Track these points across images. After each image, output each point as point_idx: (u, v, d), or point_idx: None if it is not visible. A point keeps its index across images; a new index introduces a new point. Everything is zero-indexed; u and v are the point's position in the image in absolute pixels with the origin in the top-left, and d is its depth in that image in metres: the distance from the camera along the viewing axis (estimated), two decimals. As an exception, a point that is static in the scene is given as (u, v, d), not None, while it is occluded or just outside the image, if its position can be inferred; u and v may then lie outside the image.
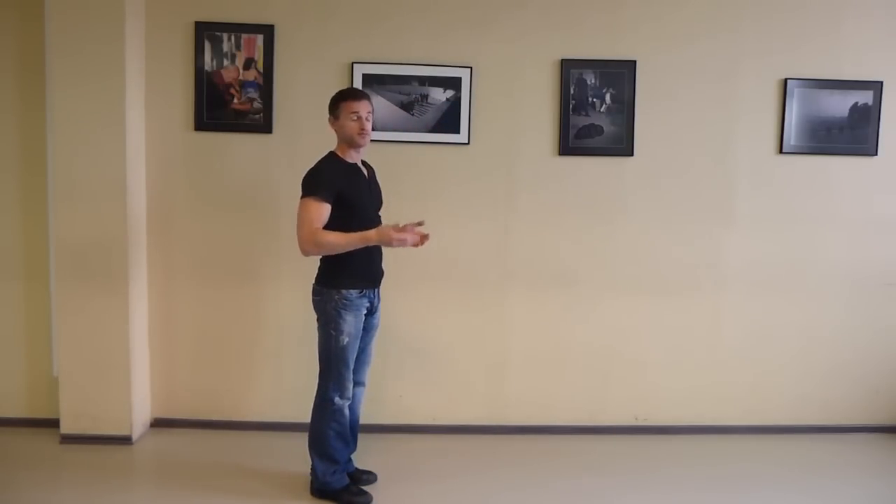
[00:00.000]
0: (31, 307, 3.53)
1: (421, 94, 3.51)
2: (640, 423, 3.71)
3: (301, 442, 3.45)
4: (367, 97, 2.89)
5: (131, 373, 3.40)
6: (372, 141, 3.46)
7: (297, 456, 3.29)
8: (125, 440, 3.39)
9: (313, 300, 2.88)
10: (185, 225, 3.55)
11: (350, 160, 2.87)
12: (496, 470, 3.22)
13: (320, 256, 2.85)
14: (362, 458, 3.14)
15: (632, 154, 3.59)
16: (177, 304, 3.58)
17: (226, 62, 3.48)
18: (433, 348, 3.63)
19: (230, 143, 3.52)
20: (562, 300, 3.65)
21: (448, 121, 3.52)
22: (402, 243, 2.67)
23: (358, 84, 3.48)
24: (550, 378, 3.68)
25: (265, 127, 3.50)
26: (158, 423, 3.62)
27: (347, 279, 2.81)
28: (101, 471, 3.13)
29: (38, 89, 3.42)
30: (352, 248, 2.72)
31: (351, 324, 2.82)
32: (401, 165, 3.53)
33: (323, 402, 2.86)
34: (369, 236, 2.69)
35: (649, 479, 3.19)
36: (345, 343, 2.82)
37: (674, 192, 3.63)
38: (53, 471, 3.14)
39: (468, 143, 3.55)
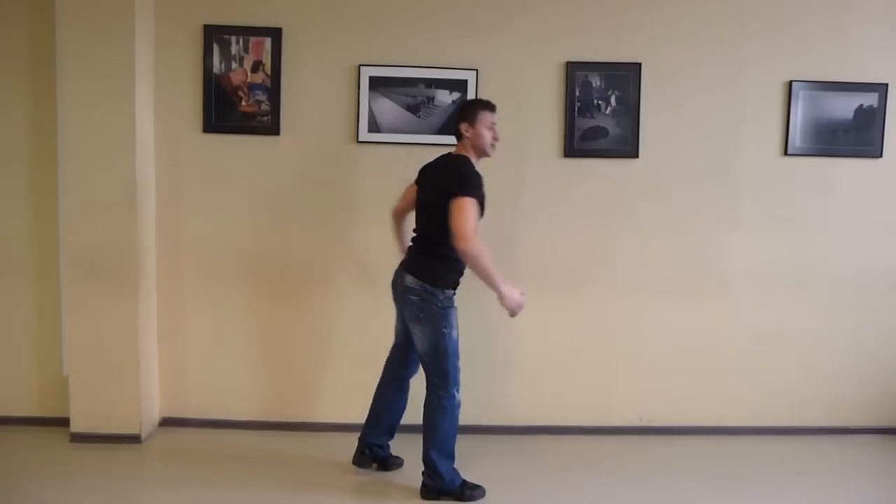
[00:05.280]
0: (41, 307, 3.57)
1: (427, 97, 3.53)
2: (646, 423, 3.73)
3: (305, 441, 3.51)
4: None
5: (140, 372, 3.43)
6: (378, 143, 3.52)
7: (304, 455, 3.34)
8: (134, 439, 3.42)
9: (411, 300, 2.88)
10: (193, 226, 3.58)
11: (477, 167, 2.93)
12: (501, 469, 3.24)
13: (424, 256, 2.89)
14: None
15: (637, 156, 3.61)
16: (185, 304, 3.61)
17: (234, 65, 3.51)
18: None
19: (238, 145, 3.55)
20: (567, 301, 3.67)
21: (454, 123, 3.53)
22: (517, 312, 2.83)
23: (365, 86, 3.51)
24: (556, 379, 3.69)
25: (273, 129, 3.53)
26: (167, 423, 3.65)
27: (452, 279, 2.88)
28: (110, 469, 3.16)
29: (48, 91, 3.45)
30: (482, 277, 2.78)
31: (456, 318, 2.90)
32: (407, 167, 3.51)
33: (445, 403, 2.90)
34: (505, 288, 2.78)
35: (654, 480, 3.20)
36: (456, 337, 2.89)
37: (679, 194, 3.64)
38: (63, 469, 3.18)
39: (474, 145, 3.57)
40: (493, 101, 3.51)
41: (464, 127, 2.92)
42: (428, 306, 2.85)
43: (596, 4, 3.56)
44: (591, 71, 3.57)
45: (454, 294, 2.92)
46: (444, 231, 2.80)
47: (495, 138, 2.92)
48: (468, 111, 2.94)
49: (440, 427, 2.89)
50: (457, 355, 2.91)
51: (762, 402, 3.74)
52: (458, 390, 2.91)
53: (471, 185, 2.79)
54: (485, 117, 2.90)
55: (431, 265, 2.87)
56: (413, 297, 2.88)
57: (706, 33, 3.59)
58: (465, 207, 2.74)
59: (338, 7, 3.52)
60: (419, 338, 2.91)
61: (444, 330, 2.85)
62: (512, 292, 2.81)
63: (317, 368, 3.66)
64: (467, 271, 2.90)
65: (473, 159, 2.93)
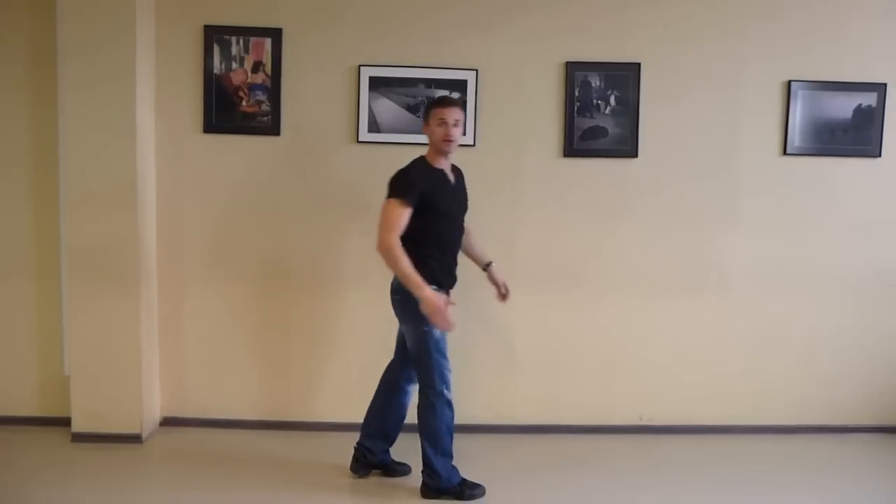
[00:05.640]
0: (43, 307, 3.57)
1: (427, 97, 3.52)
2: (645, 422, 3.73)
3: (306, 440, 3.52)
4: (458, 104, 2.95)
5: (141, 372, 3.44)
6: (378, 143, 3.53)
7: (304, 454, 3.35)
8: (135, 439, 3.42)
9: (393, 300, 2.93)
10: (194, 226, 3.59)
11: (438, 165, 2.94)
12: (501, 469, 3.25)
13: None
14: (369, 457, 3.17)
15: (636, 156, 3.62)
16: (186, 304, 3.62)
17: (234, 65, 3.52)
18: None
19: (239, 146, 3.56)
20: (567, 300, 3.68)
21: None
22: (440, 323, 2.79)
23: (365, 86, 3.52)
24: (556, 378, 3.70)
25: (273, 129, 3.54)
26: (168, 422, 3.66)
27: (429, 277, 2.86)
28: (111, 469, 3.17)
29: (49, 92, 3.46)
30: (402, 281, 2.80)
31: None
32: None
33: (433, 400, 2.90)
34: (424, 292, 2.76)
35: (654, 479, 3.21)
36: (439, 335, 2.88)
37: (678, 194, 3.65)
38: (65, 469, 3.18)
39: (474, 145, 3.58)
40: (494, 101, 3.57)
41: (423, 127, 2.97)
42: (408, 305, 2.86)
43: (595, 4, 3.57)
44: (591, 71, 3.58)
45: (440, 291, 2.91)
46: (409, 232, 2.84)
47: (446, 134, 2.87)
48: (424, 110, 2.98)
49: (431, 425, 2.91)
50: (442, 353, 2.91)
51: (762, 400, 3.75)
52: (447, 388, 2.91)
53: (396, 187, 2.84)
54: (434, 114, 2.89)
55: None
56: (396, 297, 2.93)
57: (705, 33, 3.60)
58: (384, 209, 2.83)
59: (338, 7, 3.53)
60: (406, 338, 2.96)
61: (424, 329, 2.86)
62: (434, 298, 2.77)
63: (318, 368, 3.67)
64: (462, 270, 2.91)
65: (439, 160, 2.94)
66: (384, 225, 2.81)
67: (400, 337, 3.09)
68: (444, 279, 2.94)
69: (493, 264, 3.18)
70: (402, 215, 2.80)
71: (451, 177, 3.00)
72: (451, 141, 2.88)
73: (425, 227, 2.85)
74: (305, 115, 3.56)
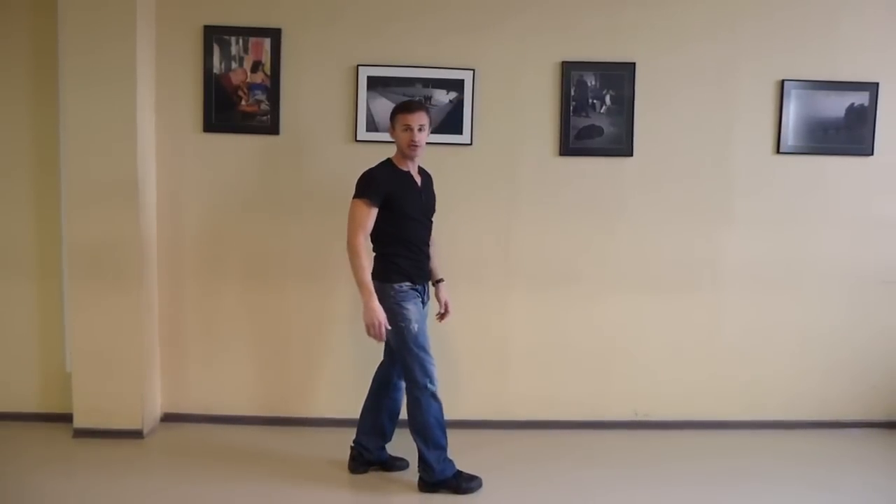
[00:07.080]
0: (44, 305, 3.61)
1: (424, 96, 3.57)
2: (641, 418, 3.77)
3: (305, 436, 3.55)
4: (423, 109, 2.99)
5: (142, 369, 3.47)
6: (376, 142, 3.56)
7: (304, 449, 3.38)
8: (136, 434, 3.46)
9: None
10: (194, 224, 3.62)
11: (403, 168, 2.99)
12: (499, 464, 3.27)
13: (374, 256, 2.99)
14: (367, 452, 3.20)
15: (631, 154, 3.65)
16: (186, 302, 3.65)
17: (234, 65, 3.55)
18: (437, 345, 3.65)
19: (238, 145, 3.59)
20: (563, 298, 3.71)
21: (451, 122, 3.58)
22: (371, 329, 2.86)
23: (363, 86, 3.55)
24: (552, 374, 3.74)
25: (272, 128, 3.57)
26: (168, 418, 3.69)
27: (396, 274, 2.93)
28: (112, 464, 3.20)
29: (51, 91, 3.49)
30: (357, 283, 2.88)
31: (414, 311, 2.94)
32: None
33: (417, 395, 2.94)
34: (371, 301, 2.85)
35: (649, 474, 3.24)
36: (416, 330, 2.92)
37: (673, 192, 3.69)
38: (67, 464, 3.21)
39: (471, 144, 3.62)
40: (490, 100, 3.60)
41: (389, 131, 3.02)
42: (383, 303, 2.91)
43: (591, 5, 3.60)
44: (586, 70, 3.61)
45: (414, 287, 2.97)
46: (377, 232, 2.94)
47: (411, 139, 2.92)
48: (390, 115, 3.01)
49: (419, 420, 2.95)
50: (421, 347, 2.94)
51: (756, 396, 3.78)
52: (431, 382, 2.94)
53: (360, 187, 2.92)
54: (399, 119, 2.94)
55: (377, 263, 2.97)
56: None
57: (699, 33, 3.64)
58: (350, 210, 2.91)
59: (336, 8, 3.56)
60: (389, 335, 2.97)
61: (401, 324, 2.91)
62: (376, 312, 2.85)
63: (316, 364, 3.70)
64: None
65: (405, 163, 2.99)
66: (350, 225, 2.90)
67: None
68: (416, 274, 2.99)
69: (443, 282, 3.20)
70: (368, 215, 2.88)
71: (418, 179, 3.04)
72: (416, 146, 2.93)
73: (393, 227, 2.93)
74: (304, 115, 3.59)
